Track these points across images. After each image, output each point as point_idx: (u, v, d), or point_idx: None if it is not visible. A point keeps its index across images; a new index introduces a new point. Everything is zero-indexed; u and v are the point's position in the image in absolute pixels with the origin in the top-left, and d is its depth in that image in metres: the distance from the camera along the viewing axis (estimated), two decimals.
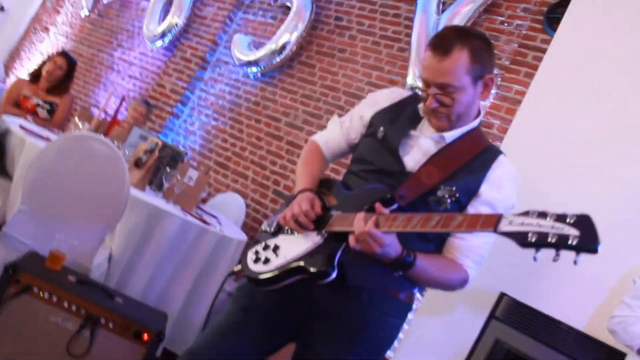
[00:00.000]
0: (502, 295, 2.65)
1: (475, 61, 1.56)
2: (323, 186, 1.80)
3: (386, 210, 1.48)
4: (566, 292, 2.55)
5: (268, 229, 1.80)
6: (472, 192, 1.62)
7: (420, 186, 1.60)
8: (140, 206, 2.88)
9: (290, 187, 4.67)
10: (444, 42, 1.56)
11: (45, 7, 7.68)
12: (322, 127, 4.72)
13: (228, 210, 4.37)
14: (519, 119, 2.94)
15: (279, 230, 1.74)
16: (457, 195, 1.59)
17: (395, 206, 1.55)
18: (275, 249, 1.67)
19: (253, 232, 4.56)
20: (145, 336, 2.18)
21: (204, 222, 3.22)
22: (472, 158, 1.64)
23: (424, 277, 1.59)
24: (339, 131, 1.88)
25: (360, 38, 4.83)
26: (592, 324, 2.44)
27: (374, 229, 1.41)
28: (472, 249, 1.63)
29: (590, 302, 2.48)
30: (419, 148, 1.67)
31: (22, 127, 3.29)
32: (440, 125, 1.64)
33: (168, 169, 3.32)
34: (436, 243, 1.68)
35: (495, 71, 2.78)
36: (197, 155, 5.23)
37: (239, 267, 1.80)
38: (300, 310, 1.68)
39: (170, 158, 3.50)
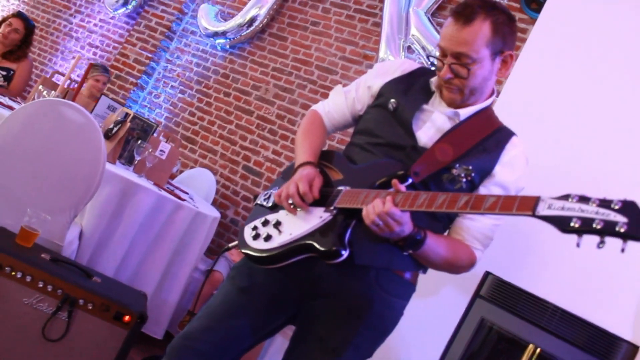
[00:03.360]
0: (487, 274, 2.62)
1: (496, 34, 1.50)
2: (324, 159, 1.70)
3: (403, 188, 1.40)
4: (551, 271, 2.54)
5: (265, 203, 1.70)
6: (486, 172, 1.57)
7: (435, 163, 1.53)
8: (113, 180, 2.72)
9: (261, 163, 4.54)
10: (466, 10, 1.49)
11: None
12: (294, 102, 4.61)
13: (197, 186, 4.22)
14: (502, 99, 2.88)
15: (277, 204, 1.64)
16: (473, 174, 1.53)
17: (408, 183, 1.47)
18: (277, 224, 1.57)
19: (223, 210, 4.43)
20: (127, 318, 2.05)
21: (178, 197, 3.07)
22: (486, 137, 1.59)
23: (432, 257, 1.52)
24: (343, 101, 1.78)
25: (334, 11, 4.71)
26: (579, 304, 2.43)
27: (394, 208, 1.33)
28: (480, 230, 1.59)
29: (577, 282, 2.47)
30: (432, 123, 1.60)
31: None
32: (452, 98, 1.58)
33: (139, 142, 3.15)
34: (444, 222, 1.62)
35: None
36: (163, 128, 5.03)
37: (235, 243, 1.70)
38: (301, 290, 1.59)
39: (141, 130, 3.33)
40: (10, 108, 3.01)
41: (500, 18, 1.50)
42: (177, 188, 3.52)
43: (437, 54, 1.57)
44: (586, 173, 2.45)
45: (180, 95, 5.13)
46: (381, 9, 4.42)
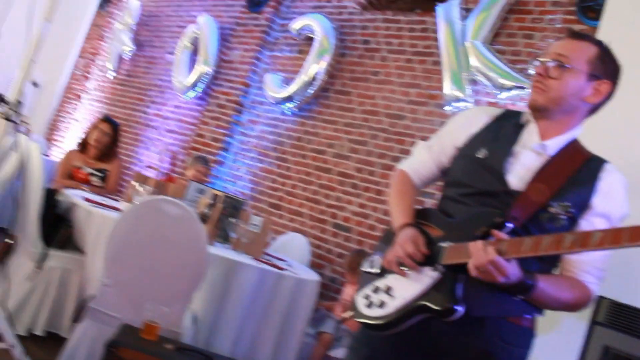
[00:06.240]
0: (601, 298, 2.53)
1: (599, 59, 1.57)
2: (420, 217, 1.74)
3: (504, 235, 1.42)
4: None
5: (372, 270, 1.75)
6: (584, 205, 1.55)
7: (531, 205, 1.54)
8: (215, 261, 2.85)
9: (348, 218, 4.61)
10: (580, 33, 1.62)
11: (74, 76, 7.83)
12: (369, 153, 4.68)
13: (291, 251, 4.30)
14: None
15: (385, 269, 1.68)
16: (572, 210, 1.52)
17: (508, 229, 1.49)
18: (388, 290, 1.61)
19: (320, 269, 4.49)
20: None
21: (278, 267, 3.18)
22: (578, 169, 1.58)
23: (546, 299, 1.51)
24: (427, 156, 1.81)
25: (391, 58, 4.80)
26: None
27: (498, 257, 1.35)
28: (591, 264, 1.56)
29: None
30: (521, 164, 1.60)
31: (86, 199, 3.31)
32: (535, 99, 1.60)
33: (231, 220, 3.29)
34: (550, 261, 1.60)
35: None
36: (249, 199, 5.21)
37: (350, 313, 1.75)
38: (421, 351, 1.61)
39: (232, 207, 3.48)
40: (113, 208, 3.25)
41: (608, 51, 1.59)
42: (274, 257, 3.63)
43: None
44: None
45: (259, 164, 5.33)
46: (437, 48, 4.48)
